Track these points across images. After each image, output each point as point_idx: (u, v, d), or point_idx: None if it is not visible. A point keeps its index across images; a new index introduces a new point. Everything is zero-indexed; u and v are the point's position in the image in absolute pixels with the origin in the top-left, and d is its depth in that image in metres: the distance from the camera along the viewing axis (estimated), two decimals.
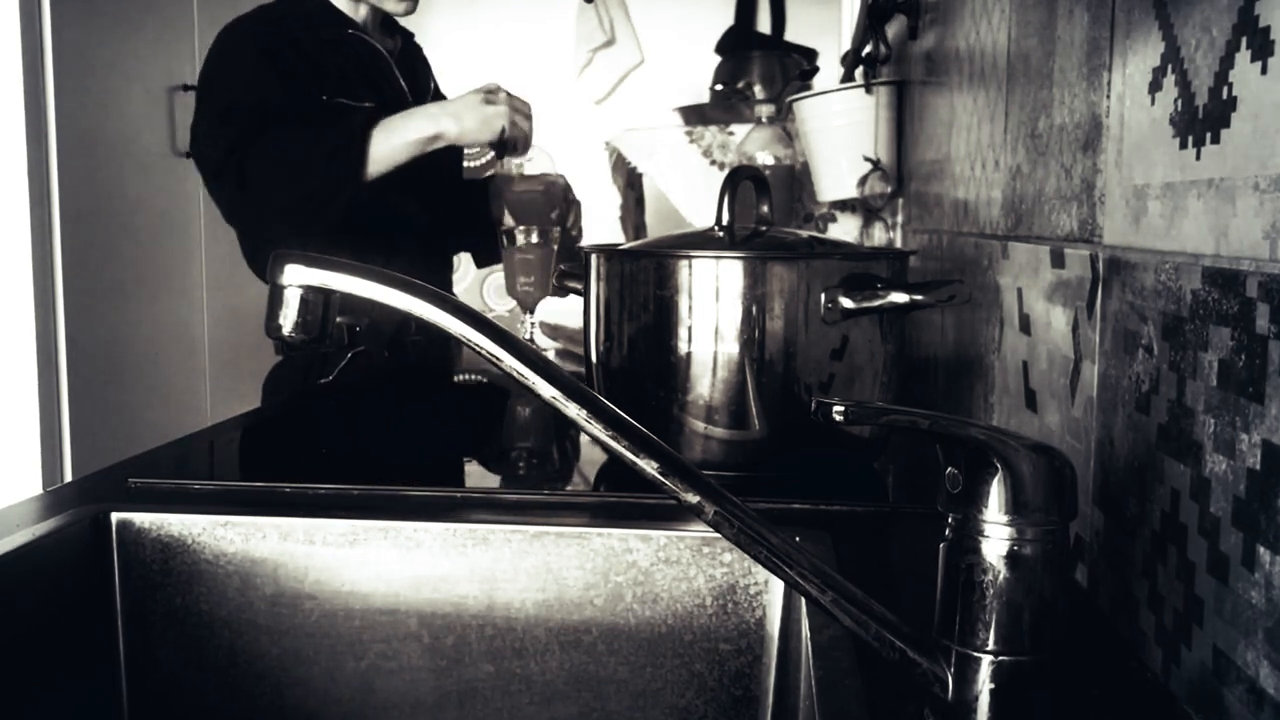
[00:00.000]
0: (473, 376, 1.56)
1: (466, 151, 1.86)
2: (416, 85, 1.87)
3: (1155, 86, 0.53)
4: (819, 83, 2.28)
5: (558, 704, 0.71)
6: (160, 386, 2.81)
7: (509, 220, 1.89)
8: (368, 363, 1.65)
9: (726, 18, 2.84)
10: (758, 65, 2.54)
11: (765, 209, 0.96)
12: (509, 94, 1.68)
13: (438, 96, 1.94)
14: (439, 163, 1.76)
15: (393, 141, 1.62)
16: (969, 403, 0.96)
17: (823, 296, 0.84)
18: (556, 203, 1.76)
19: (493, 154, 1.72)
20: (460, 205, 1.91)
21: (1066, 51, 0.69)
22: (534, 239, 1.68)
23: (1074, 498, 0.43)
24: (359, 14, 1.78)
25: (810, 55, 2.58)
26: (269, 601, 0.73)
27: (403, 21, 1.89)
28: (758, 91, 2.48)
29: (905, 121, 1.57)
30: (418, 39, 1.97)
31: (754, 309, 0.85)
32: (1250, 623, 0.42)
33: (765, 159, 2.01)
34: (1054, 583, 0.43)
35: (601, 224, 2.63)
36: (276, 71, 1.64)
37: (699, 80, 2.82)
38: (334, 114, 1.66)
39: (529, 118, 1.70)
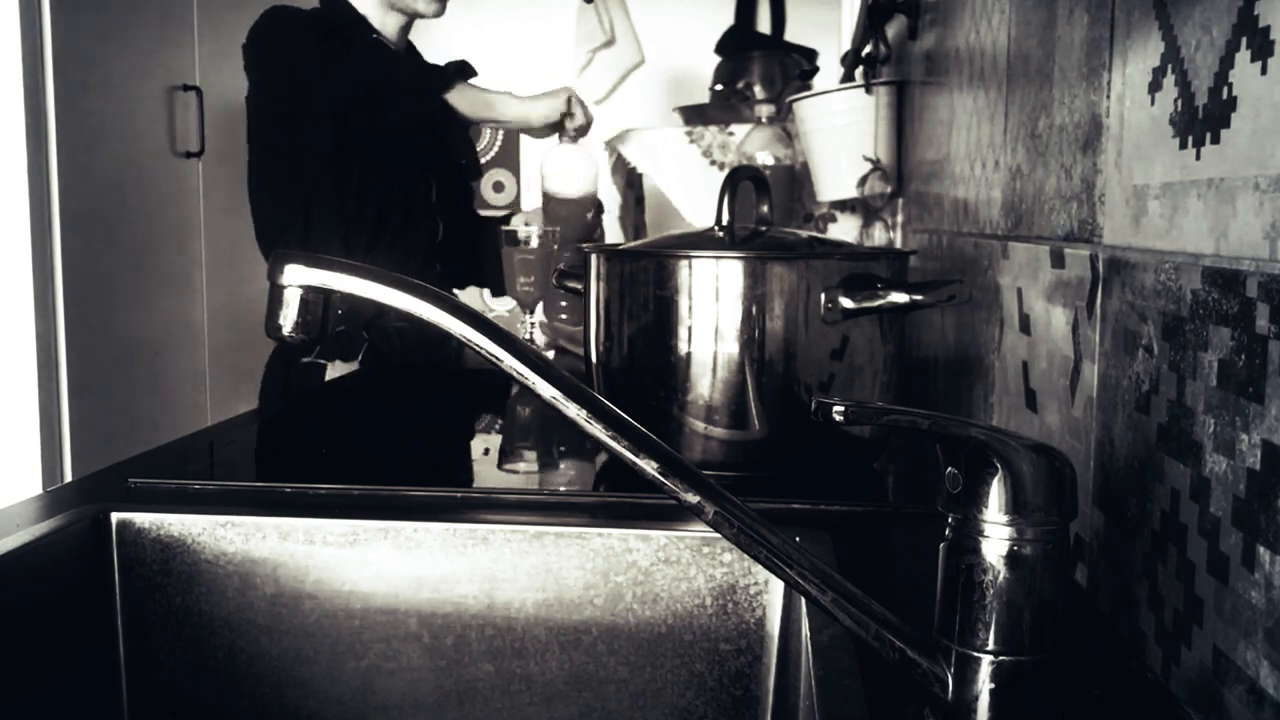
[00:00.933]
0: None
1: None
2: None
3: (1155, 86, 0.53)
4: (819, 83, 2.28)
5: (558, 704, 0.71)
6: (160, 386, 2.81)
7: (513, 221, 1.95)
8: (349, 342, 1.71)
9: (726, 18, 2.83)
10: (758, 65, 2.54)
11: (765, 209, 0.96)
12: (582, 105, 1.90)
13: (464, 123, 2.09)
14: (453, 187, 2.00)
15: (473, 97, 1.84)
16: (969, 403, 0.96)
17: (823, 296, 0.84)
18: (592, 209, 1.95)
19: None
20: (471, 237, 2.05)
21: (1066, 51, 0.69)
22: (534, 240, 1.68)
23: (1074, 498, 0.43)
24: (387, 26, 1.92)
25: (810, 55, 2.58)
26: (269, 601, 0.73)
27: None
28: (758, 91, 2.48)
29: (905, 121, 1.57)
30: (419, 37, 2.06)
31: (754, 309, 0.85)
32: (1250, 623, 0.42)
33: (765, 159, 2.01)
34: (1054, 583, 0.43)
35: None
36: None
37: (699, 80, 2.82)
38: None
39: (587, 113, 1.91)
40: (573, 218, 1.88)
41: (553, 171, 1.89)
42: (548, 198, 1.90)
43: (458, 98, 1.82)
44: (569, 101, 1.87)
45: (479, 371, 1.59)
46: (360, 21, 1.88)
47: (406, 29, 1.95)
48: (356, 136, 1.81)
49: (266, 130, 1.88)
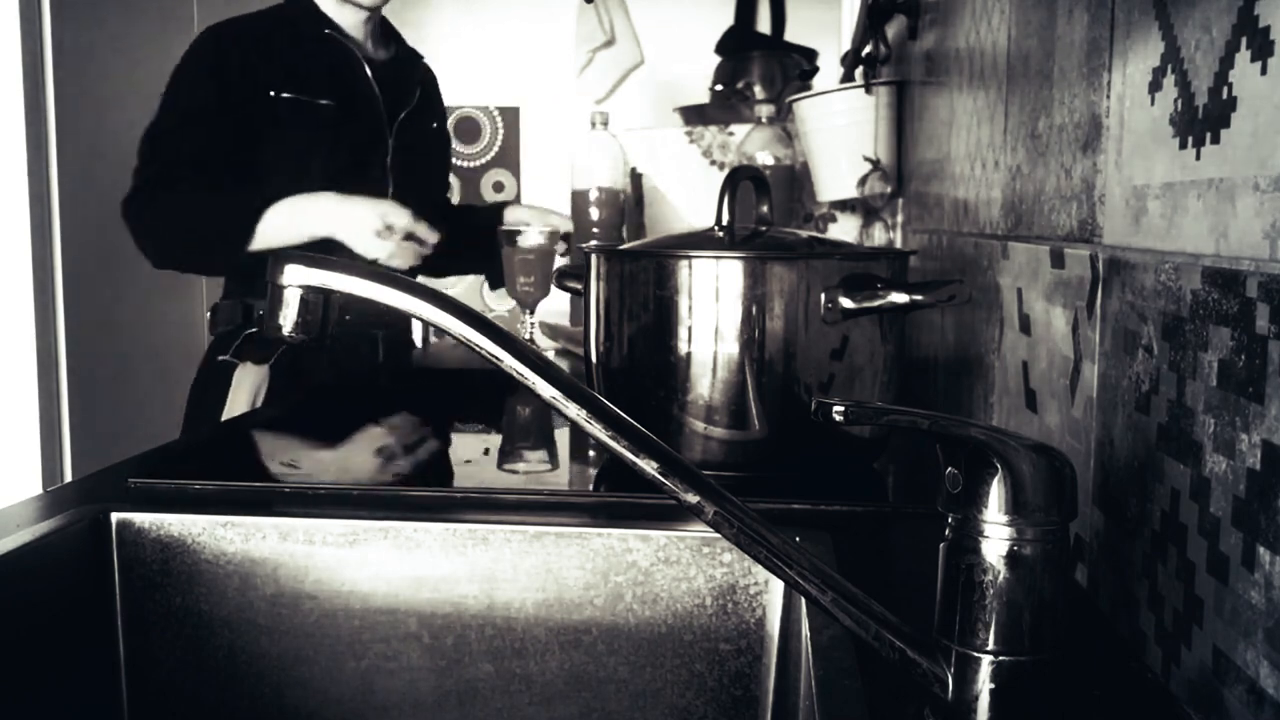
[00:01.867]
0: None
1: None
2: (399, 94, 1.85)
3: (1155, 86, 0.53)
4: (819, 83, 2.28)
5: (558, 704, 0.71)
6: (160, 386, 2.81)
7: (509, 220, 1.93)
8: (265, 344, 1.71)
9: (726, 18, 2.83)
10: (758, 65, 2.54)
11: (765, 209, 0.96)
12: (409, 232, 1.67)
13: (442, 112, 2.00)
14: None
15: (284, 229, 1.67)
16: (969, 403, 0.96)
17: (823, 296, 0.84)
18: (621, 199, 1.89)
19: None
20: (464, 225, 1.96)
21: (1066, 51, 0.69)
22: (534, 240, 1.68)
23: (1074, 498, 0.43)
24: (344, 18, 1.79)
25: (810, 55, 2.58)
26: (269, 601, 0.73)
27: (405, 30, 1.94)
28: (758, 91, 2.48)
29: (905, 121, 1.57)
30: (419, 37, 1.99)
31: (754, 309, 0.85)
32: (1250, 623, 0.42)
33: (765, 159, 2.01)
34: (1054, 583, 0.43)
35: None
36: (229, 69, 1.72)
37: (699, 80, 2.82)
38: (291, 109, 1.73)
39: (421, 245, 1.70)
40: (605, 207, 1.87)
41: (579, 167, 1.88)
42: (576, 194, 1.89)
43: (269, 229, 1.66)
44: (388, 212, 1.65)
45: (477, 371, 1.59)
46: (318, 18, 1.77)
47: (369, 21, 1.80)
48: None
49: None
